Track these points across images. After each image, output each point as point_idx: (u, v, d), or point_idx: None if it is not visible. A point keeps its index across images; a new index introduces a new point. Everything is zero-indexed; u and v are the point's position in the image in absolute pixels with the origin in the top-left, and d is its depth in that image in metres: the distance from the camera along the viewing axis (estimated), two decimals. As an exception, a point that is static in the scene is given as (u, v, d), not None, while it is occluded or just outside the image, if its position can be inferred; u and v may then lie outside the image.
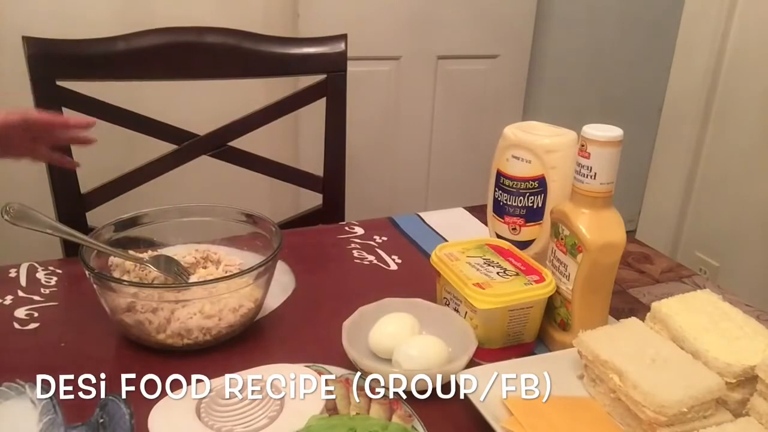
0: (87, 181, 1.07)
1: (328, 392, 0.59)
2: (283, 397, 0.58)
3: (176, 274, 0.75)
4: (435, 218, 1.05)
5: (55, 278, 0.83)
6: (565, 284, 0.71)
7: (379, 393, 0.61)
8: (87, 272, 0.68)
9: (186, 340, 0.68)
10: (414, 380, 0.63)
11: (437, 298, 0.76)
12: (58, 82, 1.01)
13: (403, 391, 0.62)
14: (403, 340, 0.66)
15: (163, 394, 0.59)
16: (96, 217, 1.06)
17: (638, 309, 0.82)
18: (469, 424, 0.60)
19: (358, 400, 0.59)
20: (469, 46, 2.17)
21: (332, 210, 1.21)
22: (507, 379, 0.63)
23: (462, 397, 0.60)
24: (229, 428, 0.55)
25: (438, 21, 2.08)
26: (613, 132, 0.66)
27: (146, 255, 0.78)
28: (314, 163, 1.22)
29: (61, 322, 0.75)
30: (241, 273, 0.69)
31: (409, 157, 2.23)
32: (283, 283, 0.84)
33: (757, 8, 1.84)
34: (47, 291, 0.80)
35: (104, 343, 0.71)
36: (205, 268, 0.78)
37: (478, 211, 1.08)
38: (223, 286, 0.68)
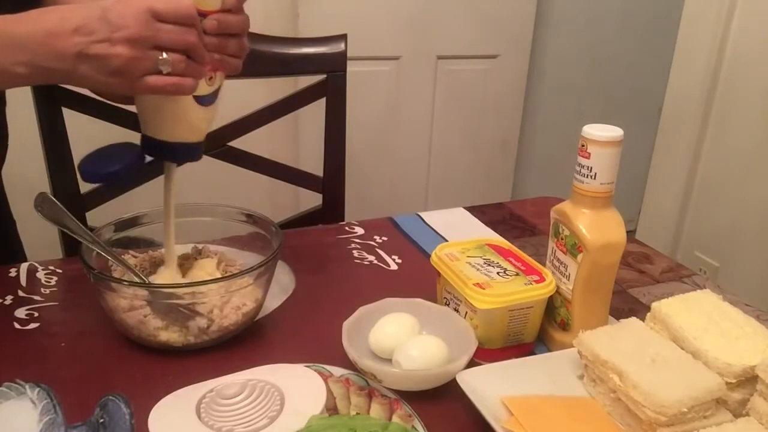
0: (87, 181, 1.07)
1: (328, 392, 0.59)
2: (283, 397, 0.58)
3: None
4: (435, 218, 1.05)
5: (55, 278, 0.83)
6: (565, 284, 0.71)
7: (379, 393, 0.61)
8: (87, 272, 0.68)
9: (186, 339, 0.68)
10: (414, 380, 0.63)
11: (437, 298, 0.76)
12: (58, 82, 1.01)
13: (403, 391, 0.62)
14: (403, 340, 0.66)
15: (163, 394, 0.59)
16: (96, 217, 1.06)
17: (638, 309, 0.82)
18: (469, 424, 0.60)
19: (357, 400, 0.59)
20: (469, 46, 2.17)
21: (332, 210, 1.21)
22: (507, 379, 0.63)
23: (462, 397, 0.60)
24: (229, 428, 0.55)
25: (438, 21, 2.08)
26: (613, 132, 0.66)
27: (146, 254, 0.78)
28: (314, 163, 1.22)
29: (61, 322, 0.75)
30: (241, 273, 0.69)
31: (409, 157, 2.23)
32: (283, 283, 0.84)
33: (757, 8, 1.84)
34: (47, 291, 0.80)
35: (104, 343, 0.71)
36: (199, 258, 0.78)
37: (478, 211, 1.08)
38: (223, 286, 0.68)
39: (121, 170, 0.70)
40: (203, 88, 0.68)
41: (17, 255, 1.02)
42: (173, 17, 0.62)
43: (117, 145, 0.73)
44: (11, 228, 1.03)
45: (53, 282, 0.82)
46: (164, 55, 0.62)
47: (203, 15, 0.64)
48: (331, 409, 0.59)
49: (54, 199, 0.70)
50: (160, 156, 0.72)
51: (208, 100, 0.70)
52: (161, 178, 1.09)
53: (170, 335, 0.68)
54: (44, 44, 0.62)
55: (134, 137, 1.07)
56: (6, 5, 0.66)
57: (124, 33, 0.61)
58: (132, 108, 1.06)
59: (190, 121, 0.71)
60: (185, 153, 0.72)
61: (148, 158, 0.72)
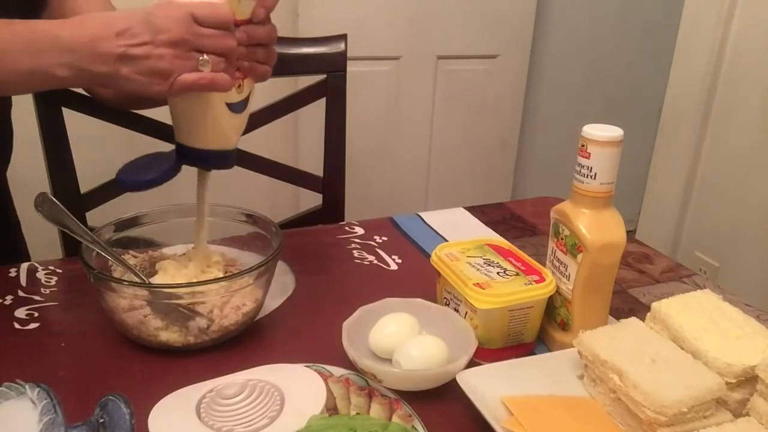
0: (87, 181, 1.07)
1: (328, 392, 0.59)
2: (283, 397, 0.58)
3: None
4: (435, 218, 1.05)
5: (55, 278, 0.83)
6: (565, 284, 0.71)
7: (379, 393, 0.61)
8: (87, 272, 0.68)
9: (186, 339, 0.68)
10: (414, 380, 0.63)
11: (437, 298, 0.76)
12: (58, 82, 1.01)
13: (403, 391, 0.62)
14: (403, 340, 0.66)
15: (163, 394, 0.59)
16: (96, 217, 1.06)
17: (638, 309, 0.82)
18: (469, 424, 0.60)
19: (357, 400, 0.59)
20: (469, 46, 2.17)
21: (332, 210, 1.21)
22: (507, 379, 0.63)
23: (462, 397, 0.60)
24: (229, 428, 0.55)
25: (438, 21, 2.08)
26: (613, 132, 0.66)
27: (146, 254, 0.78)
28: (314, 163, 1.22)
29: (61, 322, 0.75)
30: (241, 273, 0.69)
31: (409, 157, 2.23)
32: (283, 283, 0.84)
33: (757, 9, 1.84)
34: (47, 291, 0.80)
35: (104, 343, 0.71)
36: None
37: (478, 211, 1.08)
38: (223, 286, 0.68)
39: (157, 179, 0.71)
40: (233, 96, 0.70)
41: (20, 255, 1.02)
42: (212, 22, 0.64)
43: (152, 155, 0.75)
44: (15, 228, 1.03)
45: (53, 282, 0.82)
46: (204, 56, 0.64)
47: (235, 25, 0.67)
48: (331, 409, 0.59)
49: (54, 199, 0.70)
50: (194, 163, 0.74)
51: (239, 108, 0.72)
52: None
53: (170, 335, 0.68)
54: (88, 47, 0.64)
55: (134, 137, 1.08)
56: (7, 10, 0.66)
57: (166, 36, 0.63)
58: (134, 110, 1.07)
59: (222, 129, 0.72)
60: (217, 160, 0.74)
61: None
